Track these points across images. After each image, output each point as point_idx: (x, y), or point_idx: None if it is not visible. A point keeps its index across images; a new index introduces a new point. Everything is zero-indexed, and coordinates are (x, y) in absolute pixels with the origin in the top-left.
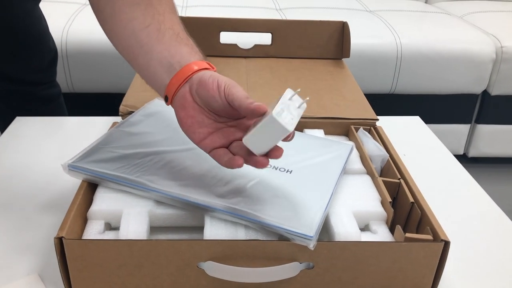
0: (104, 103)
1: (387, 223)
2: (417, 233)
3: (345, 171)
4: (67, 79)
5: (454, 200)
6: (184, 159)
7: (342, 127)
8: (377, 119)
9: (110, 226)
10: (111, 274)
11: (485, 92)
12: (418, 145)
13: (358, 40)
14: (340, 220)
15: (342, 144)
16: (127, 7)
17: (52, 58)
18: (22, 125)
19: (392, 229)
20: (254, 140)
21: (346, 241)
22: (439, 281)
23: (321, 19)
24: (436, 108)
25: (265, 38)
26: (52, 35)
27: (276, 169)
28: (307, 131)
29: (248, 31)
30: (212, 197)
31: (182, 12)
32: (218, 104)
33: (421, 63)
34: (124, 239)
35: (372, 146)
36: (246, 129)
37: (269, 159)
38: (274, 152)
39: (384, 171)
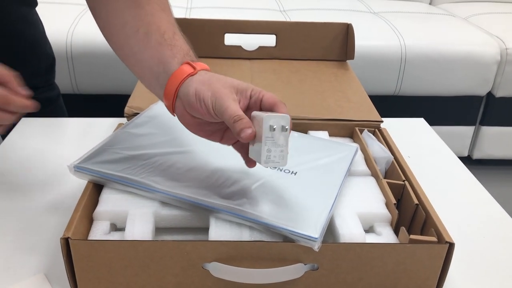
0: (109, 104)
1: (391, 224)
2: (421, 235)
3: (349, 173)
4: (72, 80)
5: (458, 202)
6: (189, 160)
7: (346, 129)
8: (382, 121)
9: (116, 227)
10: (116, 274)
11: (489, 94)
12: (423, 147)
13: (362, 41)
14: (344, 222)
15: (347, 146)
16: (119, 11)
17: (50, 64)
18: (27, 126)
19: (396, 231)
20: (258, 155)
21: (351, 242)
22: (443, 283)
23: (326, 21)
24: (440, 110)
25: (269, 40)
26: (57, 37)
27: (281, 170)
28: (311, 132)
29: (253, 33)
30: (217, 198)
31: (187, 14)
32: (215, 119)
33: (426, 64)
34: (129, 239)
35: (376, 148)
36: None
37: None
38: None
39: (389, 173)
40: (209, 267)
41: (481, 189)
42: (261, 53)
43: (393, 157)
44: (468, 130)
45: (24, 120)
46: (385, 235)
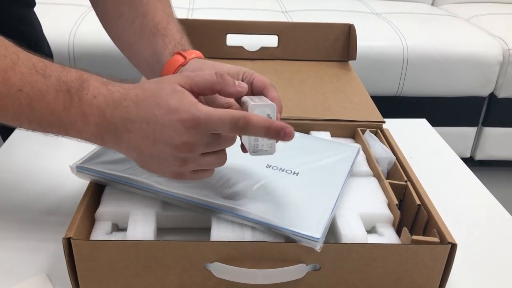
0: None
1: (393, 225)
2: (423, 235)
3: (351, 173)
4: None
5: (460, 203)
6: None
7: (348, 129)
8: (384, 122)
9: (118, 227)
10: (118, 274)
11: (492, 95)
12: (425, 148)
13: (364, 42)
14: (346, 222)
15: (349, 146)
16: (115, 2)
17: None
18: None
19: (398, 232)
20: (246, 144)
21: (353, 243)
22: (445, 284)
23: (328, 22)
24: (442, 111)
25: (271, 41)
26: (60, 38)
27: (282, 171)
28: (313, 133)
29: (254, 33)
30: (219, 199)
31: (189, 15)
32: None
33: (428, 65)
34: (131, 240)
35: (378, 148)
36: None
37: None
38: None
39: (391, 174)
40: (211, 267)
41: (483, 190)
42: (263, 54)
43: (395, 157)
44: (471, 131)
45: None
46: (387, 236)
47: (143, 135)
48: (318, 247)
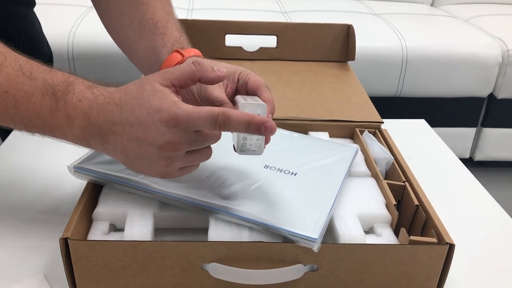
0: None
1: (391, 225)
2: (421, 236)
3: (350, 174)
4: None
5: (459, 204)
6: None
7: (347, 130)
8: (382, 122)
9: (115, 227)
10: (115, 275)
11: (491, 96)
12: (424, 148)
13: (363, 43)
14: (344, 223)
15: (347, 147)
16: (116, 1)
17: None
18: None
19: (396, 232)
20: (235, 142)
21: (351, 243)
22: (443, 284)
23: (326, 22)
24: (441, 111)
25: (270, 41)
26: (59, 38)
27: (280, 171)
28: (311, 133)
29: (253, 34)
30: (216, 199)
31: (188, 15)
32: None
33: (427, 66)
34: (128, 240)
35: (377, 148)
36: None
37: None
38: None
39: (389, 174)
40: (209, 267)
41: (482, 191)
42: (262, 54)
43: (393, 158)
44: (470, 131)
45: None
46: (385, 236)
47: (127, 137)
48: (315, 247)
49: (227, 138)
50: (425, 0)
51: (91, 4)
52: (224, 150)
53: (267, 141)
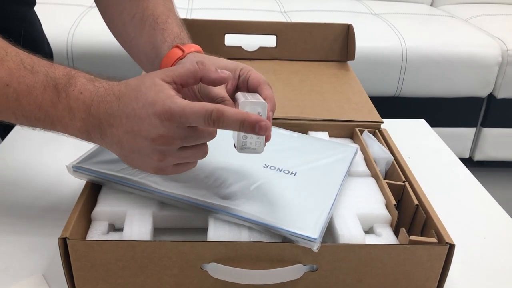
0: None
1: (391, 225)
2: (421, 236)
3: (349, 174)
4: None
5: (459, 203)
6: None
7: (346, 130)
8: (382, 122)
9: (114, 227)
10: (114, 275)
11: (490, 96)
12: (423, 148)
13: (363, 43)
14: (344, 223)
15: (347, 147)
16: None
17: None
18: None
19: (396, 232)
20: (235, 140)
21: (350, 243)
22: (443, 284)
23: (326, 22)
24: (441, 111)
25: (269, 41)
26: (58, 38)
27: (280, 171)
28: (311, 133)
29: (253, 33)
30: (216, 199)
31: (187, 15)
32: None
33: (427, 66)
34: (127, 240)
35: (377, 148)
36: None
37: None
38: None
39: (389, 174)
40: (208, 267)
41: (482, 191)
42: (262, 54)
43: (393, 158)
44: (469, 131)
45: None
46: (385, 236)
47: (123, 129)
48: (315, 247)
49: (227, 138)
50: (425, 0)
51: (90, 3)
52: (223, 150)
53: (267, 139)
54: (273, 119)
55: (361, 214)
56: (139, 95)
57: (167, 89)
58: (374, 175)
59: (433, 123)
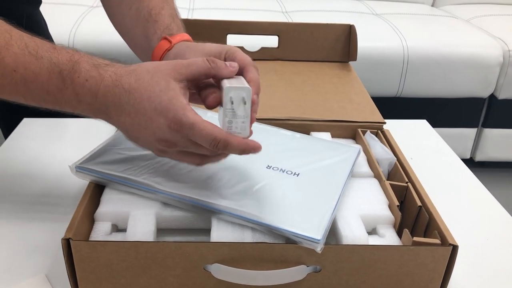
0: None
1: (394, 226)
2: (424, 237)
3: (352, 174)
4: None
5: (461, 204)
6: None
7: (349, 130)
8: (384, 122)
9: (117, 228)
10: (117, 275)
11: (492, 96)
12: (425, 149)
13: (364, 43)
14: (347, 224)
15: (349, 147)
16: None
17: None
18: (29, 126)
19: (399, 233)
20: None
21: (354, 244)
22: (446, 286)
23: (328, 22)
24: (442, 112)
25: (271, 41)
26: (60, 37)
27: (283, 172)
28: (314, 134)
29: (255, 34)
30: (219, 199)
31: (189, 15)
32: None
33: (428, 66)
34: (131, 240)
35: (379, 149)
36: None
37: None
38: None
39: (392, 175)
40: (211, 268)
41: (484, 191)
42: (264, 54)
43: (395, 158)
44: (471, 132)
45: (25, 120)
46: (388, 237)
47: (131, 121)
48: (318, 248)
49: None
50: (426, 0)
51: (92, 3)
52: None
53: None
54: (276, 119)
55: (364, 215)
56: (151, 95)
57: (180, 96)
58: (377, 176)
59: (434, 123)
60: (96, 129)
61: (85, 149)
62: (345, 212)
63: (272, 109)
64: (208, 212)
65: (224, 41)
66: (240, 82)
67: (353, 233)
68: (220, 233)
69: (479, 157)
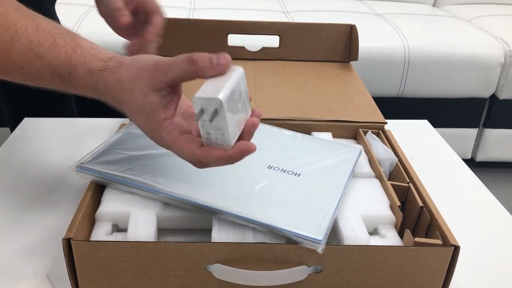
0: None
1: (396, 227)
2: (426, 237)
3: (353, 175)
4: None
5: (463, 205)
6: None
7: (350, 130)
8: (386, 123)
9: (118, 228)
10: (118, 275)
11: (493, 96)
12: (427, 149)
13: (365, 43)
14: (348, 224)
15: (351, 147)
16: None
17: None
18: (30, 126)
19: (401, 234)
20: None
21: (355, 245)
22: (448, 286)
23: (329, 22)
24: (443, 112)
25: (272, 41)
26: None
27: (284, 172)
28: (315, 134)
29: (256, 34)
30: (220, 200)
31: (190, 15)
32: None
33: (429, 66)
34: (131, 240)
35: (380, 149)
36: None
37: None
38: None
39: (393, 175)
40: (212, 268)
41: (485, 192)
42: (265, 54)
43: (397, 159)
44: (472, 132)
45: (27, 120)
46: (390, 238)
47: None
48: (320, 248)
49: None
50: (427, 0)
51: (93, 3)
52: None
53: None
54: (277, 119)
55: (365, 216)
56: (133, 112)
57: (157, 111)
58: (378, 176)
59: (435, 123)
60: (96, 128)
61: (86, 149)
62: (346, 212)
63: (273, 109)
64: (209, 212)
65: (225, 41)
66: (217, 87)
67: (355, 233)
68: (221, 233)
69: (480, 157)
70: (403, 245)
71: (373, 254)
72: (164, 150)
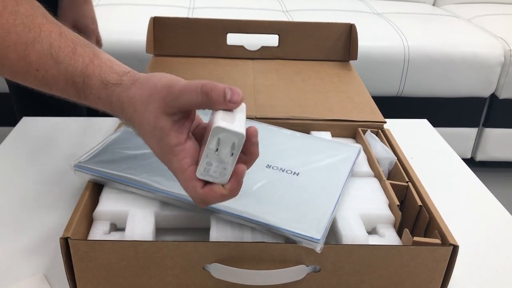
0: None
1: (394, 226)
2: (425, 237)
3: (352, 174)
4: None
5: (462, 204)
6: None
7: (349, 130)
8: (385, 122)
9: (116, 227)
10: (116, 275)
11: (493, 96)
12: (426, 148)
13: (365, 42)
14: (347, 223)
15: (350, 147)
16: None
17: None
18: (29, 125)
19: (399, 233)
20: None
21: (354, 244)
22: (447, 286)
23: (328, 21)
24: (443, 111)
25: (272, 40)
26: None
27: (283, 171)
28: (314, 133)
29: (255, 33)
30: None
31: (189, 14)
32: None
33: (429, 66)
34: (129, 240)
35: (379, 148)
36: None
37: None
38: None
39: (392, 174)
40: (210, 268)
41: (485, 191)
42: (264, 53)
43: (396, 158)
44: (471, 131)
45: (25, 119)
46: (388, 237)
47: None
48: (318, 248)
49: None
50: None
51: (95, 2)
52: None
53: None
54: (276, 118)
55: (364, 215)
56: (145, 134)
57: (168, 136)
58: (377, 175)
59: (435, 123)
60: (95, 128)
61: (84, 148)
62: (345, 211)
63: (272, 108)
64: (207, 212)
65: (224, 40)
66: (234, 120)
67: (353, 232)
68: (219, 232)
69: (480, 157)
70: (402, 244)
71: (372, 253)
72: None
